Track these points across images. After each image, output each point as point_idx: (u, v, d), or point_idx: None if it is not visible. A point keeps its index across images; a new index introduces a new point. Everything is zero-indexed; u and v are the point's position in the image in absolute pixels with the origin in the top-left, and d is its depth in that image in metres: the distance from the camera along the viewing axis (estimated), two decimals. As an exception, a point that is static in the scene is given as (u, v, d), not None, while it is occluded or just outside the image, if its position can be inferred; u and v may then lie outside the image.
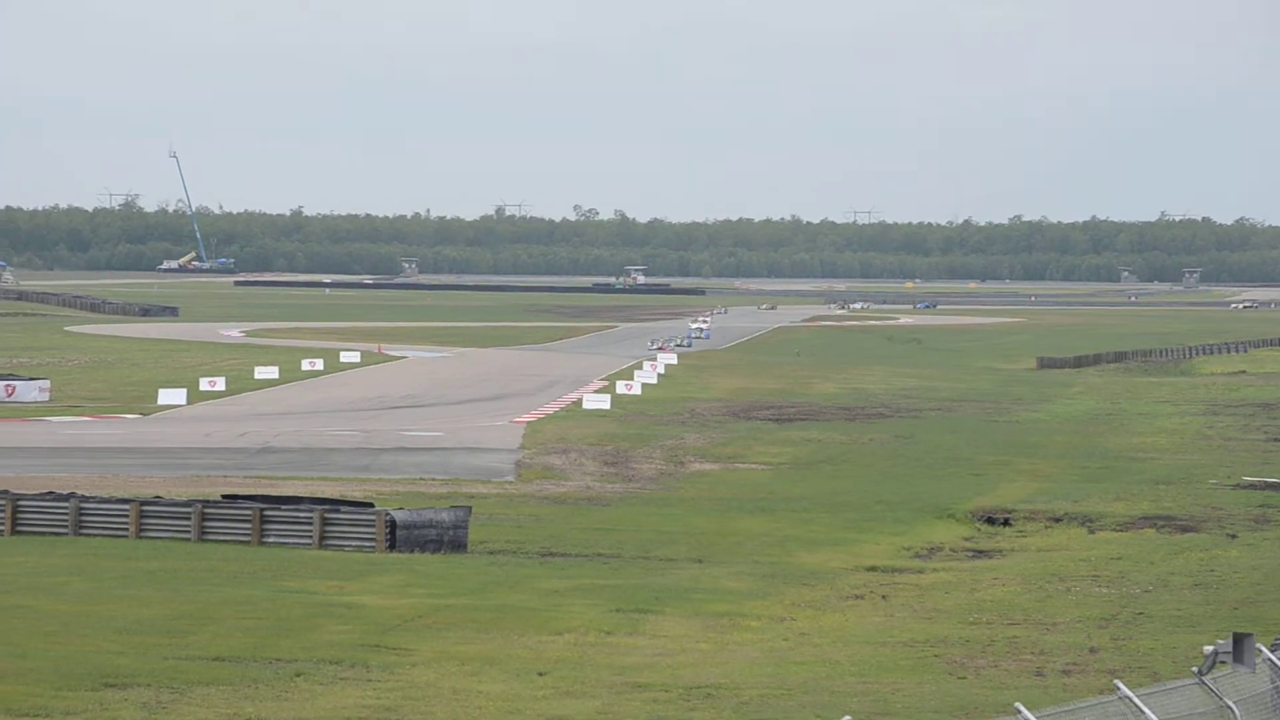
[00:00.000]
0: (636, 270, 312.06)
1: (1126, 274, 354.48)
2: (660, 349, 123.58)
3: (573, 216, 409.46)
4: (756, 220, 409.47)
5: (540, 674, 25.22)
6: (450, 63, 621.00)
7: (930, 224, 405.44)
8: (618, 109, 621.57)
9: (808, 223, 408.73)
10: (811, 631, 29.82)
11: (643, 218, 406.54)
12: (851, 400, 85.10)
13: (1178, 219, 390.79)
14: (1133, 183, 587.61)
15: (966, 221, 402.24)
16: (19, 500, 39.33)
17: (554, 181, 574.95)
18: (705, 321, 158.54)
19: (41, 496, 39.91)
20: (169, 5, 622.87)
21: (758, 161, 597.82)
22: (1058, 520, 46.78)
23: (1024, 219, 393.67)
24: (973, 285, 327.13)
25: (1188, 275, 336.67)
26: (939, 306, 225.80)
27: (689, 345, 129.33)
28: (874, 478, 55.86)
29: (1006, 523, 46.91)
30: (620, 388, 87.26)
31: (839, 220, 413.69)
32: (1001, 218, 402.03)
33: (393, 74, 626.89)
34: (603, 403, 78.99)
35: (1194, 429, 72.60)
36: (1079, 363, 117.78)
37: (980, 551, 42.23)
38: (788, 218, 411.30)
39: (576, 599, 31.89)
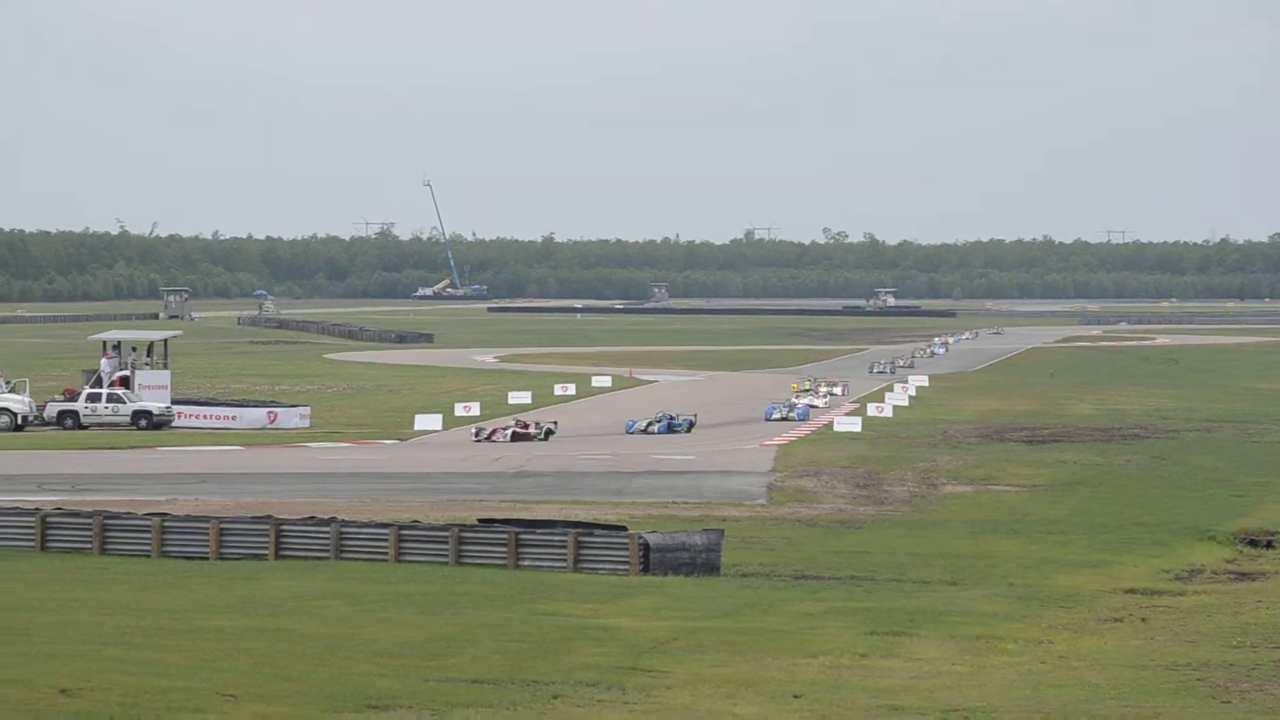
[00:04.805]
0: (886, 292, 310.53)
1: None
2: (881, 372, 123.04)
3: (822, 239, 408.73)
4: (1007, 241, 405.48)
5: (796, 696, 25.18)
6: (697, 87, 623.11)
7: (1186, 243, 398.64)
8: (865, 131, 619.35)
9: (1060, 243, 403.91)
10: (1069, 654, 29.44)
11: (892, 240, 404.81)
12: (1107, 421, 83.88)
13: None
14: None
15: (1224, 240, 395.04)
16: (282, 525, 40.12)
17: (803, 204, 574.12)
18: (941, 344, 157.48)
19: (304, 521, 40.67)
20: (427, 39, 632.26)
21: (1008, 182, 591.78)
22: (1323, 542, 45.67)
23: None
24: (1231, 304, 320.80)
25: None
26: (1195, 324, 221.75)
27: (911, 367, 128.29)
28: (1131, 499, 55.00)
29: (1270, 545, 45.90)
30: (871, 410, 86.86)
31: (1092, 240, 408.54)
32: (1260, 235, 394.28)
33: (642, 100, 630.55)
34: (854, 425, 78.69)
35: None
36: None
37: (1243, 574, 41.37)
38: (1039, 238, 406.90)
39: (830, 621, 31.79)
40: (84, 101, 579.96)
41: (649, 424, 77.87)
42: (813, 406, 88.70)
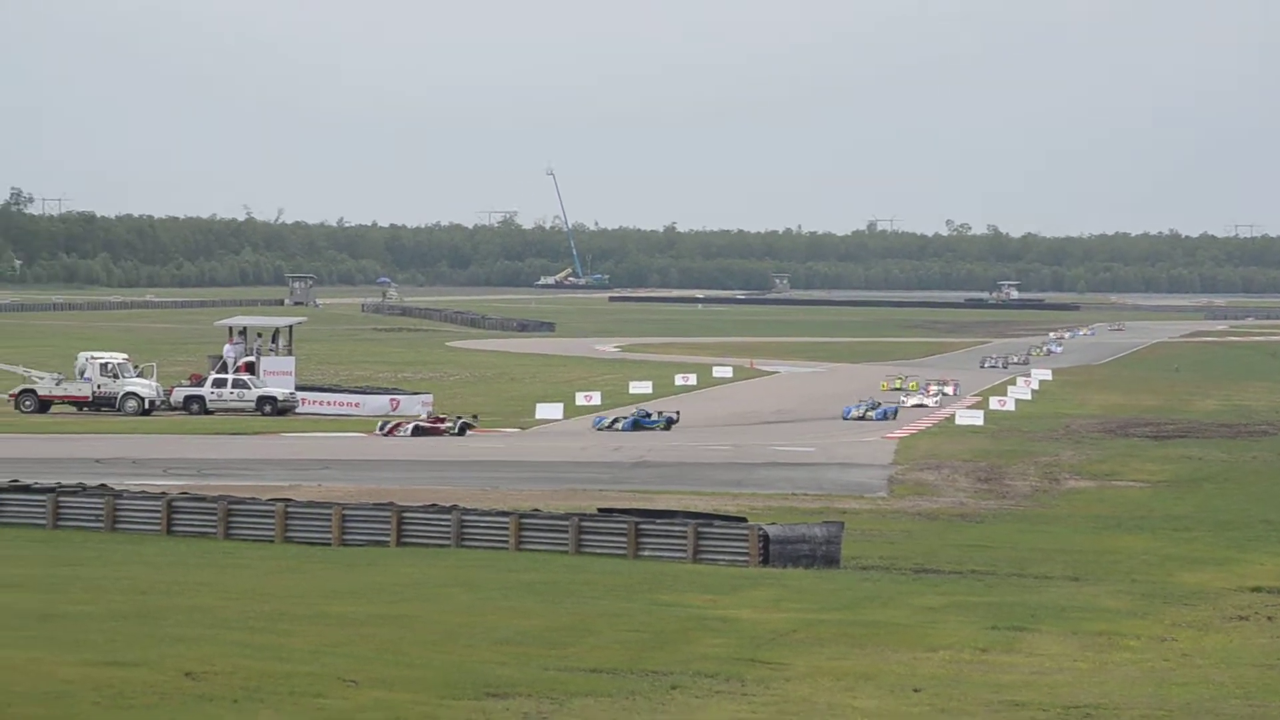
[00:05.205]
0: (1009, 285, 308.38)
1: None
2: (994, 367, 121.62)
3: (944, 231, 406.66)
4: (1133, 234, 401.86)
5: (915, 690, 25.07)
6: (819, 76, 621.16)
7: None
8: (987, 121, 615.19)
9: (1186, 237, 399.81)
10: (1194, 652, 29.14)
11: (1016, 232, 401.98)
12: (1234, 417, 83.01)
13: None
14: None
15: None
16: (404, 512, 40.35)
17: (926, 196, 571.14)
18: (1056, 341, 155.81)
19: (426, 508, 40.89)
20: (552, 35, 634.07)
21: (1135, 176, 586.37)
22: None
23: None
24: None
25: None
26: None
27: (1026, 363, 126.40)
28: (1258, 496, 54.39)
29: (1399, 544, 45.24)
30: (994, 403, 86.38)
31: (1219, 234, 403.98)
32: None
33: (764, 91, 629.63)
34: (976, 418, 78.30)
35: None
36: None
37: (1371, 573, 40.80)
38: (1165, 232, 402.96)
39: (951, 616, 31.63)
40: (217, 98, 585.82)
41: (613, 421, 74.38)
42: (921, 405, 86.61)
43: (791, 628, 29.80)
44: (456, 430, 70.93)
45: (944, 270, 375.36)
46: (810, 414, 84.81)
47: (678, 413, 77.11)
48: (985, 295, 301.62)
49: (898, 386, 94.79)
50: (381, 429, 70.87)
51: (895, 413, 79.95)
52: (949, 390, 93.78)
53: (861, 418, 79.10)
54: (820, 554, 38.31)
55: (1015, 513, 50.15)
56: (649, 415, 75.73)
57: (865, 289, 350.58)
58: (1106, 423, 79.19)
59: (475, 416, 74.27)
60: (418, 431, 70.08)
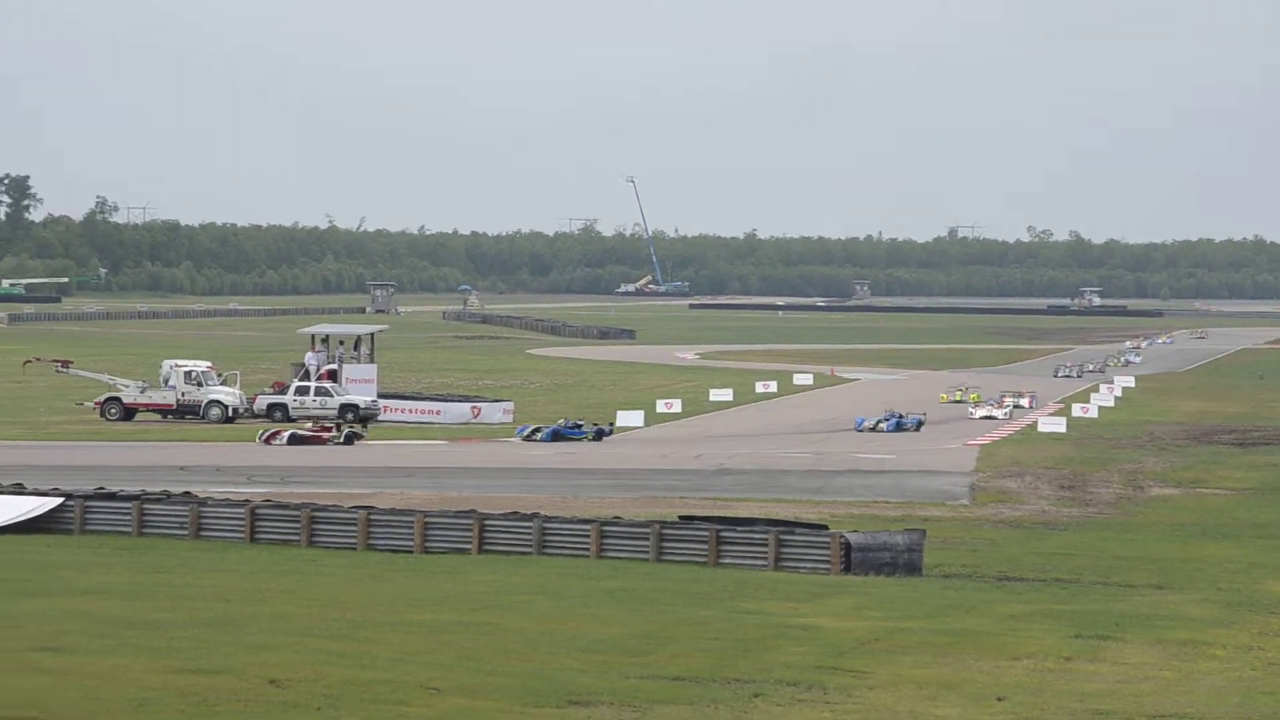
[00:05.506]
0: (1091, 292, 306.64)
1: None
2: (1068, 377, 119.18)
3: (1026, 238, 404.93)
4: (1217, 240, 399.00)
5: (999, 699, 24.95)
6: (894, 84, 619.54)
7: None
8: (1069, 127, 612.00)
9: (1271, 243, 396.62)
10: (1280, 662, 28.90)
11: (1098, 239, 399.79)
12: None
13: None
14: None
15: None
16: (485, 520, 40.43)
17: (1007, 202, 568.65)
18: (1133, 349, 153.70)
19: (507, 516, 40.96)
20: (633, 41, 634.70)
21: (1219, 180, 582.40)
22: None
23: None
24: None
25: None
26: None
27: (1103, 372, 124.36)
28: (1344, 504, 53.87)
29: None
30: (1076, 410, 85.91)
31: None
32: None
33: (843, 97, 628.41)
34: (1058, 425, 77.88)
35: None
36: None
37: None
38: (1250, 238, 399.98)
39: (1034, 624, 31.47)
40: (301, 109, 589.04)
41: (533, 431, 72.94)
42: (990, 417, 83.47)
43: (874, 636, 29.72)
44: (342, 440, 69.01)
45: (1025, 277, 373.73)
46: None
47: (611, 425, 76.09)
48: (1067, 302, 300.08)
49: (958, 399, 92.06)
50: (261, 437, 69.10)
51: (919, 424, 77.57)
52: (1024, 402, 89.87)
53: (873, 429, 76.60)
54: (902, 562, 38.17)
55: (1099, 520, 49.85)
56: (576, 426, 73.40)
57: (946, 295, 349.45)
58: (1191, 430, 78.66)
59: (365, 426, 72.35)
60: (294, 440, 68.33)
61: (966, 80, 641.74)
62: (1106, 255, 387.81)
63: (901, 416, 77.94)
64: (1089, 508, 52.69)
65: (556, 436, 72.02)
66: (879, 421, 77.66)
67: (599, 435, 72.97)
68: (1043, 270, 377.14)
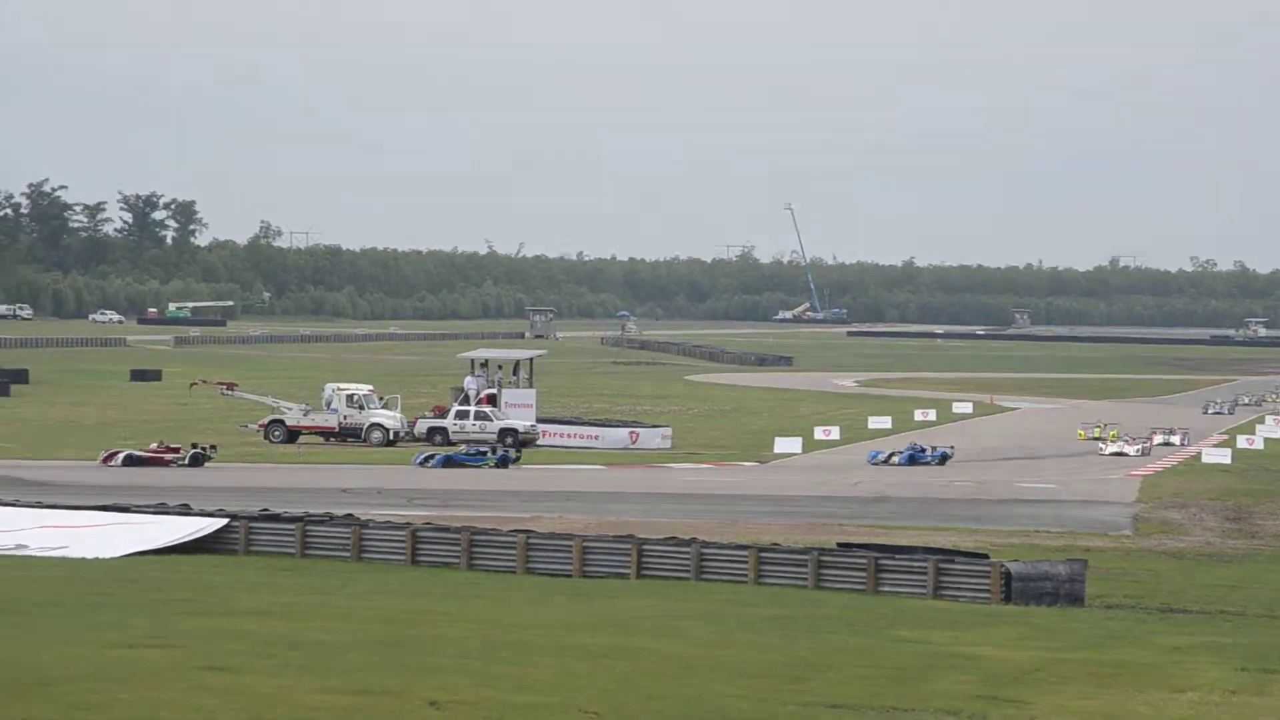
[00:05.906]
0: (1257, 322, 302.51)
1: None
2: (1219, 413, 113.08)
3: (1189, 267, 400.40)
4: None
5: (1163, 733, 24.66)
6: (1055, 114, 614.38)
7: None
8: (1234, 153, 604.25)
9: None
10: None
11: (1264, 268, 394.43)
12: None
13: None
14: None
15: None
16: (644, 544, 40.49)
17: (1169, 231, 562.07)
18: None
19: (665, 541, 41.00)
20: (794, 65, 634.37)
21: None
22: None
23: None
24: None
25: None
26: None
27: (1259, 406, 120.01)
28: None
29: None
30: (1241, 442, 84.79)
31: None
32: None
33: (1007, 127, 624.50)
34: (1223, 456, 76.94)
35: None
36: None
37: None
38: None
39: (1199, 657, 31.07)
40: (460, 135, 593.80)
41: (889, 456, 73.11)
42: (1120, 454, 79.49)
43: (1035, 666, 29.46)
44: (187, 461, 66.91)
45: (1188, 307, 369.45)
46: (1051, 450, 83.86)
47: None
48: (1231, 332, 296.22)
49: (1096, 435, 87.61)
50: (101, 457, 67.09)
51: (944, 458, 74.59)
52: (1175, 440, 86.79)
53: (886, 461, 74.25)
54: (1063, 592, 37.83)
55: (1266, 553, 49.14)
56: (479, 453, 71.59)
57: (1107, 325, 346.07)
58: (1359, 462, 77.40)
59: (213, 447, 69.61)
60: (130, 461, 66.05)
61: (1151, 107, 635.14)
62: (1272, 285, 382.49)
63: (922, 450, 75.29)
64: (1255, 540, 51.97)
65: (449, 463, 69.99)
66: (891, 455, 75.14)
67: (503, 462, 70.39)
68: (1206, 300, 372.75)
